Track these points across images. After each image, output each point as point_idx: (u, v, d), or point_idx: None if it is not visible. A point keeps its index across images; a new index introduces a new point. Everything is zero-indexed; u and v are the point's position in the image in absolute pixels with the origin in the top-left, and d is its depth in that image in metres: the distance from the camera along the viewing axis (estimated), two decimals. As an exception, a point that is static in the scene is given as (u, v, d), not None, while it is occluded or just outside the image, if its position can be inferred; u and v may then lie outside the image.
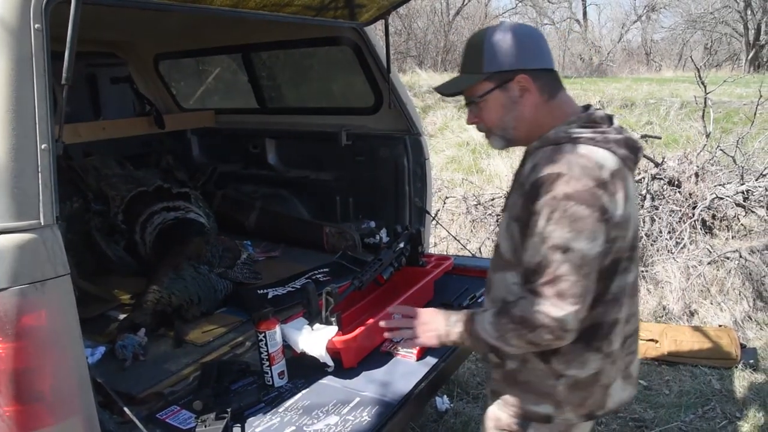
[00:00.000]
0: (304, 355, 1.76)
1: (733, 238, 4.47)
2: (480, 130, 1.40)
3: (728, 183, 4.78)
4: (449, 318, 1.42)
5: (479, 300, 2.25)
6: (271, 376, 1.74)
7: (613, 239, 1.24)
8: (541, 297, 1.21)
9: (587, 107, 1.37)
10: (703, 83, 5.40)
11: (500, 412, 1.47)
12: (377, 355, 1.90)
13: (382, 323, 1.56)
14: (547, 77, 1.32)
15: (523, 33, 1.30)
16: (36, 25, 1.27)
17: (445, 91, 1.42)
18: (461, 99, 1.54)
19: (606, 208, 1.19)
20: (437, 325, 1.43)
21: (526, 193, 1.24)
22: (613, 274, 1.29)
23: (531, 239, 1.23)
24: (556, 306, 1.20)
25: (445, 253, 4.16)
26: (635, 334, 1.43)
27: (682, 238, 4.29)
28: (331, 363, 1.76)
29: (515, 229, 1.30)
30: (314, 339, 1.74)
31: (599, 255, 1.21)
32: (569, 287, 1.19)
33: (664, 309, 3.76)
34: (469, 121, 1.40)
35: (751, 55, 21.31)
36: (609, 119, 1.34)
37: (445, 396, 2.89)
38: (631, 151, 1.29)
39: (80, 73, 3.28)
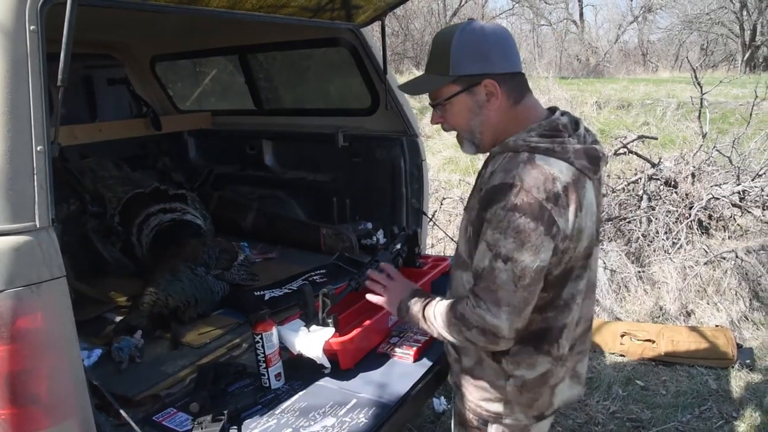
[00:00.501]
0: (300, 356, 1.76)
1: (729, 238, 4.49)
2: (445, 129, 1.41)
3: (724, 183, 4.80)
4: (414, 296, 1.47)
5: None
6: (268, 378, 1.74)
7: (563, 251, 1.25)
8: (480, 301, 1.24)
9: (553, 111, 1.36)
10: (699, 84, 5.42)
11: (462, 407, 1.51)
12: (374, 357, 1.90)
13: (369, 271, 1.65)
14: (514, 81, 1.31)
15: (492, 35, 1.29)
16: (31, 27, 1.26)
17: (411, 91, 1.43)
18: None
19: (554, 223, 1.20)
20: (402, 296, 1.50)
21: (482, 199, 1.26)
22: (564, 282, 1.31)
23: (481, 244, 1.25)
24: (491, 312, 1.22)
25: (442, 254, 4.16)
26: (585, 335, 1.46)
27: (679, 239, 4.30)
28: (328, 364, 1.76)
29: (471, 232, 1.33)
30: (311, 340, 1.74)
31: (542, 268, 1.22)
32: (506, 297, 1.21)
33: (661, 309, 3.77)
34: (434, 121, 1.40)
35: (747, 55, 21.40)
36: (575, 124, 1.33)
37: (442, 397, 2.90)
38: (590, 161, 1.28)
39: (76, 75, 3.28)
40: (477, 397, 1.44)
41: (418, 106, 8.68)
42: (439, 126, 1.43)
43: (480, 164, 1.46)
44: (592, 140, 1.34)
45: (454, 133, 1.41)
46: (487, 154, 1.40)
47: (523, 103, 1.32)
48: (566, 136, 1.28)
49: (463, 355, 1.45)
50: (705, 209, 4.54)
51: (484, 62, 1.27)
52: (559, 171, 1.23)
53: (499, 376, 1.39)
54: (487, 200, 1.23)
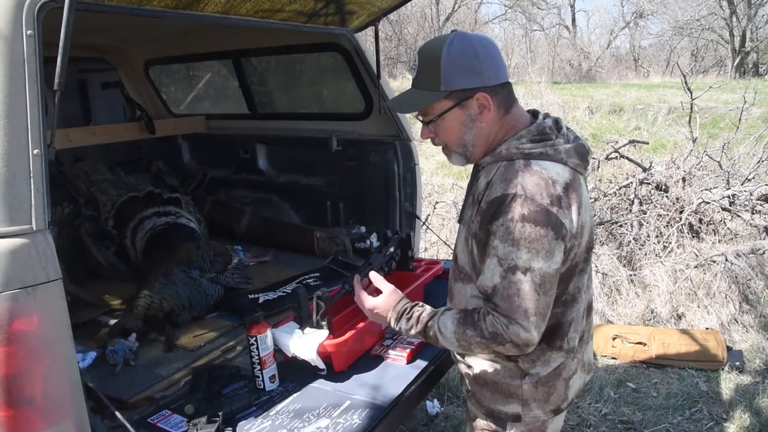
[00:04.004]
0: (295, 358, 1.77)
1: (719, 242, 4.53)
2: (436, 144, 1.41)
3: (714, 187, 4.84)
4: (398, 324, 1.42)
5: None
6: (263, 380, 1.75)
7: (569, 249, 1.26)
8: (506, 317, 1.23)
9: (534, 114, 1.38)
10: (689, 89, 5.47)
11: (477, 413, 1.51)
12: (368, 359, 1.91)
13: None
14: (504, 91, 1.32)
15: (480, 46, 1.28)
16: (28, 32, 1.27)
17: (402, 108, 1.41)
18: None
19: (561, 225, 1.21)
20: (384, 321, 1.47)
21: (483, 212, 1.26)
22: (570, 277, 1.33)
23: (490, 260, 1.24)
24: (524, 327, 1.22)
25: (435, 257, 4.18)
26: (589, 324, 1.48)
27: (670, 242, 4.34)
28: (322, 366, 1.77)
29: (474, 245, 1.32)
30: (305, 343, 1.75)
31: (557, 270, 1.24)
32: (533, 307, 1.21)
33: (652, 312, 3.80)
34: (424, 136, 1.40)
35: (736, 61, 21.61)
36: (556, 124, 1.36)
37: (435, 399, 2.91)
38: (581, 158, 1.31)
39: (70, 79, 3.28)
40: (493, 400, 1.44)
41: (411, 110, 8.68)
42: None
43: (470, 168, 1.46)
44: (575, 137, 1.37)
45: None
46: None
47: (512, 112, 1.33)
48: (554, 137, 1.30)
49: (475, 363, 1.45)
50: (695, 213, 4.58)
51: (475, 76, 1.27)
52: (556, 173, 1.24)
53: (514, 376, 1.39)
54: (492, 213, 1.23)
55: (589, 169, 1.41)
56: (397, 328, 1.43)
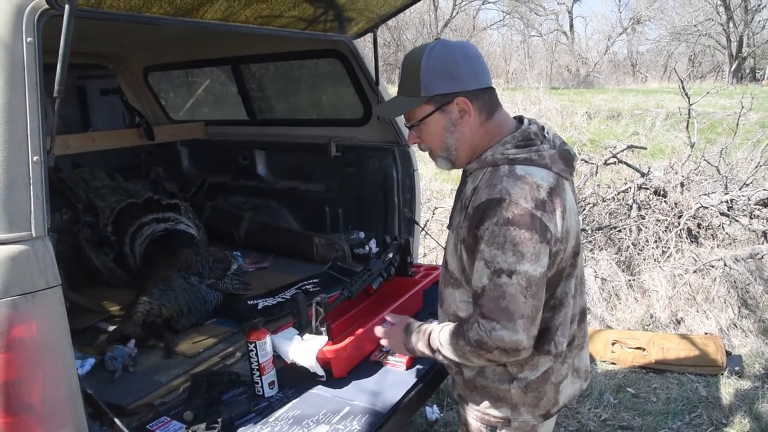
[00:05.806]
0: (294, 365, 1.77)
1: (717, 246, 4.53)
2: (422, 149, 1.43)
3: (713, 192, 4.85)
4: (409, 339, 1.49)
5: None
6: (262, 386, 1.75)
7: (555, 253, 1.28)
8: (492, 321, 1.24)
9: (520, 120, 1.40)
10: (687, 94, 5.49)
11: (468, 417, 1.53)
12: (367, 365, 1.91)
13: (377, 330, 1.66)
14: (485, 96, 1.33)
15: (460, 52, 1.31)
16: (28, 39, 1.28)
17: (385, 114, 1.45)
18: None
19: (546, 228, 1.22)
20: (400, 344, 1.54)
21: (470, 217, 1.28)
22: (557, 282, 1.34)
23: (478, 263, 1.26)
24: (508, 330, 1.23)
25: (434, 263, 4.18)
26: (581, 328, 1.49)
27: (668, 247, 4.35)
28: (321, 373, 1.77)
29: (462, 251, 1.34)
30: (304, 349, 1.75)
31: (543, 274, 1.25)
32: (518, 309, 1.22)
33: (651, 317, 3.80)
34: (410, 141, 1.43)
35: (734, 66, 21.70)
36: (542, 130, 1.38)
37: (434, 405, 2.90)
38: (566, 163, 1.33)
39: (70, 85, 3.28)
40: (483, 405, 1.46)
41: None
42: None
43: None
44: (561, 142, 1.39)
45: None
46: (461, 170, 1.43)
47: (494, 118, 1.35)
48: (539, 143, 1.32)
49: (464, 367, 1.46)
50: (694, 218, 4.59)
51: (454, 81, 1.29)
52: (541, 178, 1.26)
53: (502, 380, 1.41)
54: (478, 218, 1.25)
55: (588, 174, 1.41)
56: (411, 344, 1.49)
